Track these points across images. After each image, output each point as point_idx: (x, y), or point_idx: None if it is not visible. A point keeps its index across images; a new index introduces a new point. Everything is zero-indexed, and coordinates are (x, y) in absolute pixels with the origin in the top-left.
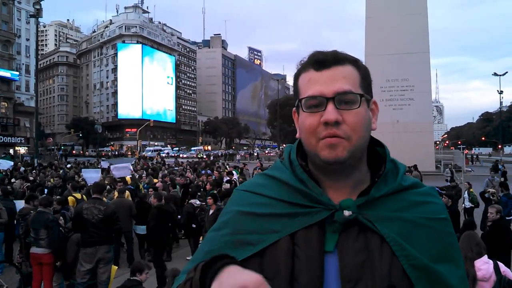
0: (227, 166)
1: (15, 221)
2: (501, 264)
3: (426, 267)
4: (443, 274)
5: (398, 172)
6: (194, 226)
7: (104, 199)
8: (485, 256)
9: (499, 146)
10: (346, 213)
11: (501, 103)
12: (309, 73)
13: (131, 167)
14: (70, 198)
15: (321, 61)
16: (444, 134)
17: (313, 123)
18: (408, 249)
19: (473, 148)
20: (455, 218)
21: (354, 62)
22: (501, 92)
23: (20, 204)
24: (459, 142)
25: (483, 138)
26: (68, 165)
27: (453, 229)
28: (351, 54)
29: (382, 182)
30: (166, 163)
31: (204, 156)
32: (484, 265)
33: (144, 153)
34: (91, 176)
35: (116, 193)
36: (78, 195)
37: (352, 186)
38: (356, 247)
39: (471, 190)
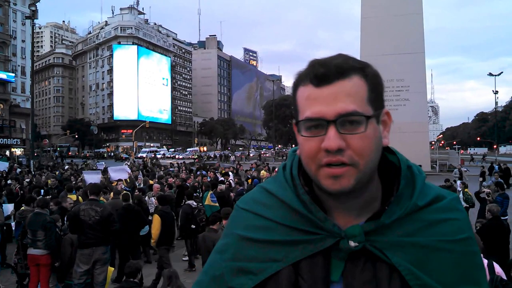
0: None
1: (12, 223)
2: (496, 265)
3: None
4: None
5: (414, 189)
6: (193, 226)
7: (103, 199)
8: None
9: (495, 146)
10: (352, 244)
11: (496, 103)
12: (307, 88)
13: (128, 169)
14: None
15: (322, 75)
16: (439, 134)
17: (312, 148)
18: (423, 278)
19: (469, 148)
20: None
21: (361, 70)
22: (496, 92)
23: (7, 208)
24: (454, 142)
25: (478, 138)
26: (66, 167)
27: (476, 246)
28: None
29: (395, 203)
30: (161, 165)
31: (195, 158)
32: None
33: (140, 154)
34: (92, 177)
35: (111, 194)
36: (74, 197)
37: (362, 207)
38: (364, 277)
39: (466, 190)
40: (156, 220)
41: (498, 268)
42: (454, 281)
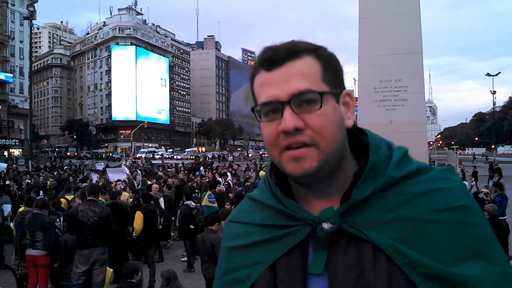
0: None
1: (12, 224)
2: None
3: (440, 274)
4: (469, 277)
5: (390, 162)
6: (192, 227)
7: (102, 199)
8: None
9: (493, 146)
10: (326, 225)
11: (494, 103)
12: (261, 75)
13: (127, 170)
14: (62, 200)
15: (271, 58)
16: (437, 135)
17: (271, 132)
18: (411, 255)
19: (467, 148)
20: None
21: (313, 51)
22: (494, 92)
23: (5, 209)
24: (453, 143)
25: (476, 138)
26: (65, 167)
27: (479, 217)
28: (345, 54)
29: (368, 179)
30: (159, 165)
31: (193, 158)
32: None
33: (138, 155)
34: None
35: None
36: (71, 197)
37: (337, 191)
38: (346, 261)
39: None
40: (139, 216)
41: None
42: (455, 255)
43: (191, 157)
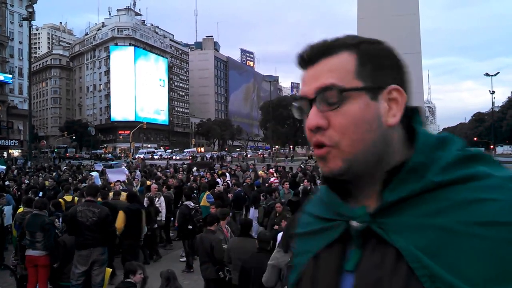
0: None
1: (13, 224)
2: None
3: None
4: None
5: (435, 163)
6: (190, 227)
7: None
8: None
9: (491, 147)
10: (354, 223)
11: (493, 103)
12: (302, 72)
13: (127, 171)
14: (60, 200)
15: (305, 57)
16: None
17: (306, 130)
18: (433, 267)
19: None
20: None
21: (354, 46)
22: (493, 93)
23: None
24: None
25: (475, 139)
26: (64, 168)
27: None
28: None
29: (407, 180)
30: (158, 165)
31: (188, 158)
32: None
33: (137, 155)
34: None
35: (110, 195)
36: (69, 198)
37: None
38: (372, 263)
39: None
40: (120, 215)
41: None
42: (487, 277)
43: (189, 157)
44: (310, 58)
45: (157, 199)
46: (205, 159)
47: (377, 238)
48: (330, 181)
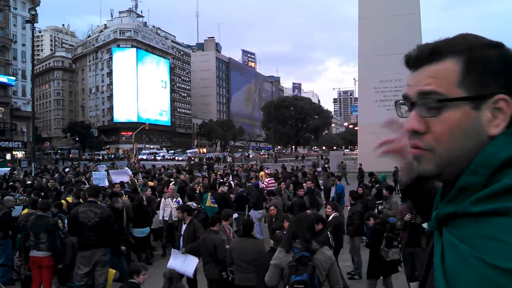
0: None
1: (19, 226)
2: None
3: None
4: None
5: (482, 189)
6: None
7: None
8: None
9: None
10: (424, 224)
11: None
12: (408, 74)
13: (130, 172)
14: (62, 202)
15: (411, 59)
16: None
17: (405, 129)
18: (448, 282)
19: None
20: None
21: (462, 52)
22: None
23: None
24: None
25: None
26: (67, 169)
27: None
28: (343, 55)
29: (459, 198)
30: (161, 166)
31: (185, 160)
32: None
33: (139, 156)
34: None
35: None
36: (70, 199)
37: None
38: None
39: None
40: None
41: None
42: None
43: (192, 158)
44: (416, 61)
45: (174, 199)
46: (205, 160)
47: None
48: (420, 179)
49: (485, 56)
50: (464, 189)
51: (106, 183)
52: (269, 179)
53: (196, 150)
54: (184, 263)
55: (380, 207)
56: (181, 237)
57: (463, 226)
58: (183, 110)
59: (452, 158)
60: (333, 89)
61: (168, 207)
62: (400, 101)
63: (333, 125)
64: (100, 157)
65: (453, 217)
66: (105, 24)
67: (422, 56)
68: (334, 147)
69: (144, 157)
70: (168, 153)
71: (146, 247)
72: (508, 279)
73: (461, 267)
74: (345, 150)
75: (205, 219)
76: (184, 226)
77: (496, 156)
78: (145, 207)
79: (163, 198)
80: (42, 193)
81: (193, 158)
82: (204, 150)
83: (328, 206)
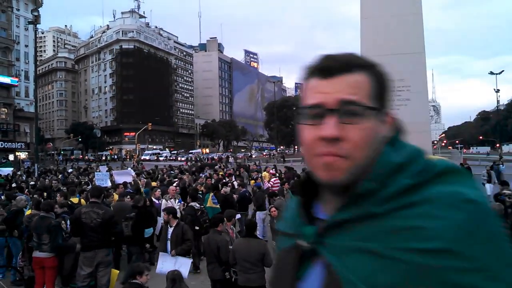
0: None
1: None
2: None
3: None
4: None
5: (380, 193)
6: (197, 228)
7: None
8: None
9: (497, 145)
10: (302, 243)
11: (498, 101)
12: (313, 80)
13: (133, 172)
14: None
15: (327, 68)
16: (441, 134)
17: (310, 137)
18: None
19: (471, 147)
20: None
21: (367, 68)
22: (497, 91)
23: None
24: (457, 142)
25: (480, 137)
26: (70, 170)
27: (466, 263)
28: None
29: (355, 204)
30: (163, 166)
31: (183, 161)
32: None
33: (142, 157)
34: (123, 178)
35: (115, 197)
36: (75, 200)
37: None
38: (318, 278)
39: None
40: None
41: None
42: None
43: (195, 158)
44: (331, 70)
45: (176, 201)
46: (206, 161)
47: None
48: (327, 186)
49: (382, 74)
50: (360, 196)
51: (109, 184)
52: (274, 179)
53: (199, 150)
54: (175, 265)
55: None
56: (168, 240)
57: (364, 228)
58: (185, 111)
59: (364, 166)
60: None
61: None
62: (301, 109)
63: None
64: (104, 157)
65: (343, 223)
66: (107, 25)
67: (339, 65)
68: None
69: (147, 157)
70: (170, 154)
71: (151, 247)
72: (436, 256)
73: (379, 267)
74: None
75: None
76: (170, 229)
77: (390, 163)
78: (149, 207)
79: (164, 200)
80: (45, 194)
81: (194, 159)
82: (207, 150)
83: None
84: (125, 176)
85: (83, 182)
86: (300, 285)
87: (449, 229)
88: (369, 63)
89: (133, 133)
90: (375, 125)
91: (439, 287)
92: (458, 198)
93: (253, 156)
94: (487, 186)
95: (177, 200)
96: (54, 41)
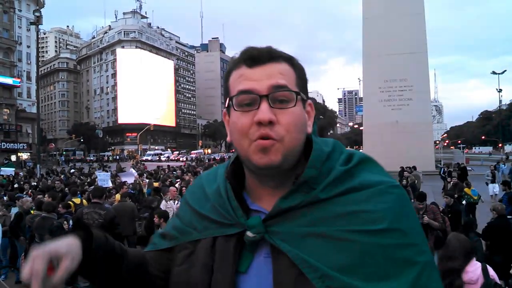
0: None
1: (25, 227)
2: (490, 269)
3: (347, 286)
4: None
5: (324, 179)
6: None
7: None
8: (473, 260)
9: (500, 145)
10: (250, 234)
11: (500, 101)
12: (241, 70)
13: (135, 173)
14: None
15: (255, 57)
16: (443, 134)
17: (245, 123)
18: (322, 269)
19: (473, 147)
20: (456, 217)
21: (289, 60)
22: (500, 91)
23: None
24: (459, 142)
25: (483, 137)
26: (72, 170)
27: (404, 239)
28: (347, 55)
29: (299, 192)
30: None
31: (182, 161)
32: (471, 268)
33: (144, 157)
34: (125, 179)
35: (117, 197)
36: (78, 200)
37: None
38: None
39: (465, 189)
40: None
41: (491, 272)
42: (367, 275)
43: (198, 158)
44: (259, 58)
45: (176, 202)
46: (207, 161)
47: (270, 244)
48: (263, 174)
49: (301, 67)
50: (305, 183)
51: (110, 184)
52: None
53: (201, 150)
54: None
55: None
56: None
57: (310, 214)
58: (187, 111)
59: (294, 149)
60: (338, 89)
61: (171, 210)
62: (233, 98)
63: (338, 125)
64: (106, 158)
65: (289, 211)
66: (109, 25)
67: (267, 54)
68: None
69: (149, 158)
70: (171, 154)
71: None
72: (385, 235)
73: (334, 248)
74: None
75: None
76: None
77: (323, 152)
78: (154, 208)
79: (163, 201)
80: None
81: (194, 159)
82: (209, 150)
83: None
84: (128, 177)
85: (85, 184)
86: (242, 278)
87: (389, 210)
88: (289, 55)
89: (135, 134)
90: (302, 111)
91: (384, 262)
92: (387, 184)
93: None
94: (490, 186)
95: (176, 202)
96: (56, 41)
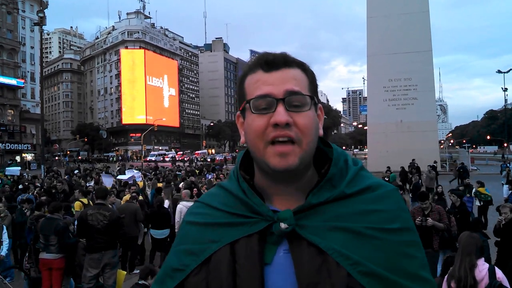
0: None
1: (27, 228)
2: (498, 270)
3: (377, 273)
4: (401, 283)
5: (345, 178)
6: None
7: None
8: (482, 259)
9: (505, 144)
10: (283, 225)
11: (505, 100)
12: (257, 74)
13: (139, 174)
14: (77, 203)
15: (271, 62)
16: (448, 133)
17: (261, 124)
18: (353, 257)
19: (479, 147)
20: (465, 217)
21: (301, 65)
22: (505, 90)
23: None
24: (464, 141)
25: (488, 137)
26: (75, 171)
27: (413, 237)
28: (348, 54)
29: (325, 188)
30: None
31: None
32: (480, 266)
33: (148, 158)
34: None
35: (127, 197)
36: (85, 200)
37: (301, 193)
38: (300, 259)
39: (479, 189)
40: None
41: (500, 274)
42: (388, 267)
43: (201, 159)
44: (275, 63)
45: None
46: (209, 161)
47: (298, 237)
48: (278, 176)
49: (311, 72)
50: (330, 180)
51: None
52: None
53: (205, 151)
54: None
55: None
56: None
57: (336, 210)
58: (191, 111)
59: (310, 152)
60: (342, 88)
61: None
62: (251, 101)
63: (342, 125)
64: (110, 158)
65: (316, 206)
66: (113, 26)
67: (281, 60)
68: (344, 147)
69: (153, 158)
70: (175, 154)
71: (164, 248)
72: (399, 234)
73: (358, 242)
74: (354, 150)
75: None
76: None
77: (342, 152)
78: (164, 208)
79: (179, 204)
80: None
81: (200, 159)
82: (213, 151)
83: None
84: (128, 178)
85: (89, 186)
86: (267, 269)
87: (399, 211)
88: (302, 61)
89: (139, 134)
90: (314, 115)
91: (395, 255)
92: (391, 187)
93: None
94: (505, 187)
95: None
96: (59, 42)
